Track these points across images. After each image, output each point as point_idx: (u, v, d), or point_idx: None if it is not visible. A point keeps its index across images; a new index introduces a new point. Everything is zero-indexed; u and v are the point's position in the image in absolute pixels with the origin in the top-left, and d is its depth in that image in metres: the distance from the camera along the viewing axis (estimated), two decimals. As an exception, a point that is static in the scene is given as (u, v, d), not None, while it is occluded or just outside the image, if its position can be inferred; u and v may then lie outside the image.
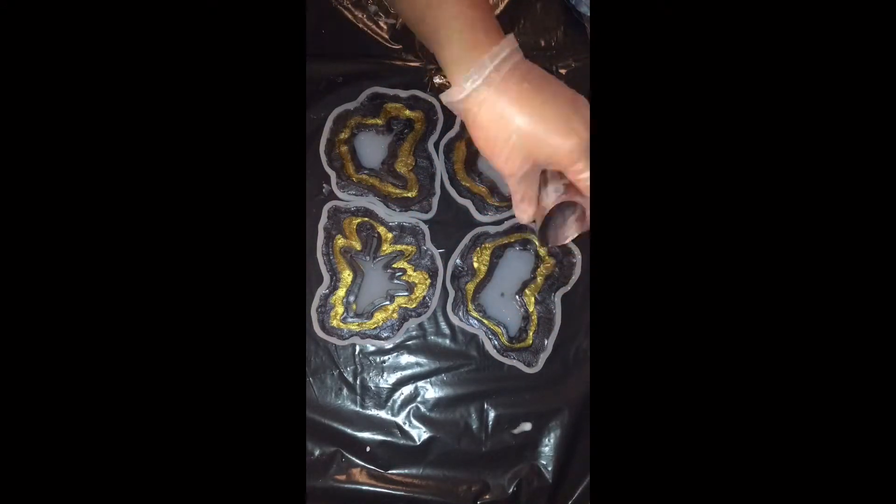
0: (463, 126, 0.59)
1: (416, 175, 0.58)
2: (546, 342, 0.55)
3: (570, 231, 0.45)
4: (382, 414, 0.55)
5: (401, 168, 0.58)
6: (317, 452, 0.54)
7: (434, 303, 0.56)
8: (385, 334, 0.55)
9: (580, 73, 0.61)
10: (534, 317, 0.56)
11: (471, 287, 0.56)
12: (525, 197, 0.42)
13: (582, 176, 0.40)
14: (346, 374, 0.55)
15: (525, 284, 0.56)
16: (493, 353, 0.55)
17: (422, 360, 0.56)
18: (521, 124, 0.39)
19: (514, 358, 0.55)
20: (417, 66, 0.61)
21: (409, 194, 0.58)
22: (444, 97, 0.41)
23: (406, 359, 0.56)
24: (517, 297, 0.56)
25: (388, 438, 0.54)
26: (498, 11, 0.62)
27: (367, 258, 0.57)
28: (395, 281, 0.56)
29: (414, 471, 0.54)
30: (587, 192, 0.40)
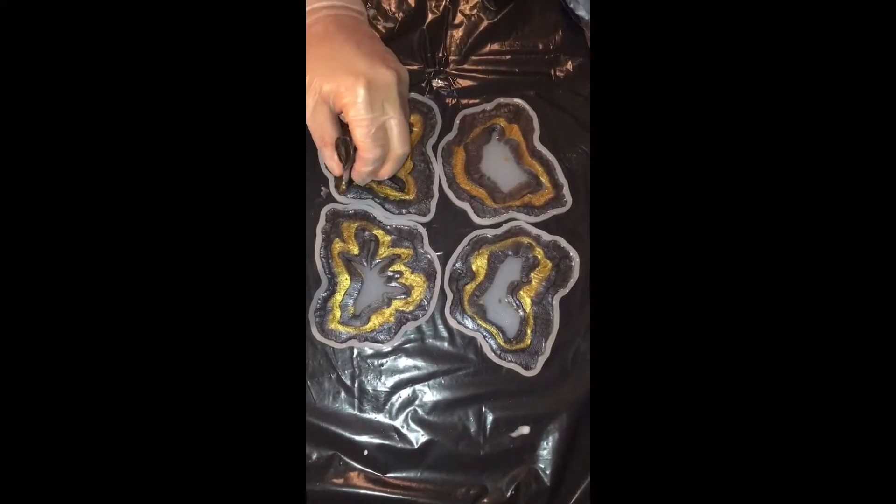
0: (461, 129, 0.59)
1: (413, 178, 0.58)
2: (544, 344, 0.55)
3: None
4: (380, 417, 0.54)
5: (399, 171, 0.58)
6: (314, 456, 0.53)
7: (432, 306, 0.55)
8: (383, 337, 0.55)
9: (577, 76, 0.61)
10: (530, 318, 0.56)
11: (469, 289, 0.56)
12: (323, 139, 0.47)
13: (349, 120, 0.45)
14: (343, 378, 0.55)
15: (522, 286, 0.56)
16: (492, 355, 0.55)
17: (420, 363, 0.55)
18: (310, 61, 0.44)
19: (512, 361, 0.55)
20: (416, 68, 0.61)
21: (408, 197, 0.58)
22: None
23: (404, 362, 0.55)
24: (514, 298, 0.56)
25: (386, 442, 0.54)
26: (499, 17, 0.62)
27: (365, 262, 0.56)
28: (393, 284, 0.56)
29: (412, 474, 0.53)
30: (355, 135, 0.46)
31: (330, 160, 0.49)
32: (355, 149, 0.47)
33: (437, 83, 0.61)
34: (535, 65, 0.62)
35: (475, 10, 0.63)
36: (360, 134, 0.45)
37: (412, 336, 0.56)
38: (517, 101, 0.60)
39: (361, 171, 0.49)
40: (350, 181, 0.51)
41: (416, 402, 0.55)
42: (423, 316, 0.55)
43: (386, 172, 0.50)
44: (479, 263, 0.57)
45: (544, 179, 0.58)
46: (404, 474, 0.53)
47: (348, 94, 0.43)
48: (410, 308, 0.55)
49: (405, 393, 0.55)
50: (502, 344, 0.55)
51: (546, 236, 0.57)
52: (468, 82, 0.61)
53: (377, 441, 0.54)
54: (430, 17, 0.62)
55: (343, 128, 0.48)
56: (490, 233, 0.57)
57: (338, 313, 0.55)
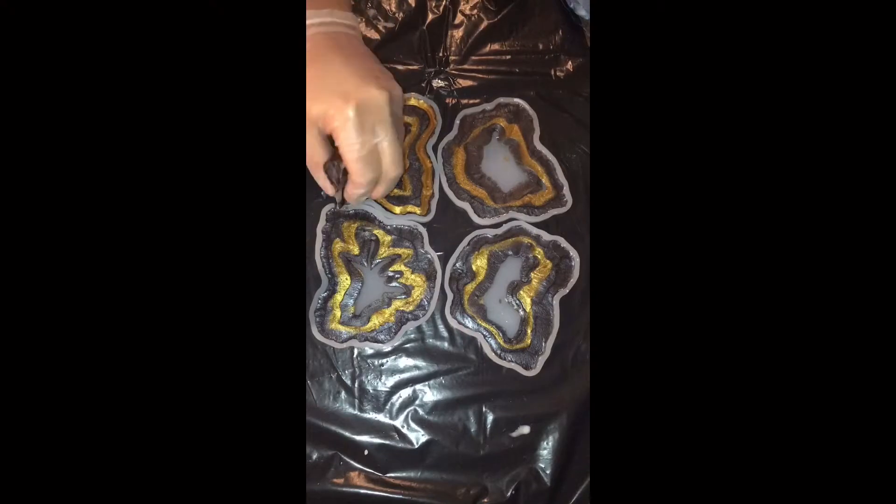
0: (461, 130, 0.59)
1: (410, 178, 0.58)
2: (544, 344, 0.55)
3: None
4: (381, 417, 0.54)
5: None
6: (314, 456, 0.53)
7: (432, 306, 0.55)
8: (383, 337, 0.55)
9: (577, 76, 0.61)
10: (530, 318, 0.56)
11: (469, 289, 0.56)
12: (313, 161, 0.46)
13: (339, 143, 0.43)
14: (344, 377, 0.55)
15: (522, 286, 0.56)
16: (492, 355, 0.55)
17: (420, 363, 0.55)
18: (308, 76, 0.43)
19: (512, 361, 0.55)
20: (416, 69, 0.61)
21: (406, 194, 0.58)
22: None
23: (404, 362, 0.55)
24: (514, 298, 0.56)
25: (387, 442, 0.54)
26: (499, 17, 0.62)
27: (365, 262, 0.56)
28: (393, 284, 0.56)
29: (412, 474, 0.53)
30: (346, 159, 0.44)
31: (321, 181, 0.47)
32: (345, 171, 0.46)
33: (437, 83, 0.61)
34: (535, 65, 0.62)
35: (475, 10, 0.63)
36: (351, 158, 0.43)
37: (412, 336, 0.56)
38: (517, 101, 0.60)
39: (353, 193, 0.47)
40: (344, 200, 0.49)
41: (417, 402, 0.55)
42: (423, 316, 0.55)
43: (378, 194, 0.49)
44: (480, 263, 0.57)
45: (544, 179, 0.59)
46: (404, 474, 0.53)
47: (337, 118, 0.42)
48: (411, 308, 0.55)
49: (405, 393, 0.55)
50: (502, 344, 0.55)
51: (546, 236, 0.57)
52: (468, 82, 0.61)
53: (377, 441, 0.54)
54: (431, 17, 0.62)
55: (334, 149, 0.46)
56: (490, 233, 0.57)
57: (338, 313, 0.55)
